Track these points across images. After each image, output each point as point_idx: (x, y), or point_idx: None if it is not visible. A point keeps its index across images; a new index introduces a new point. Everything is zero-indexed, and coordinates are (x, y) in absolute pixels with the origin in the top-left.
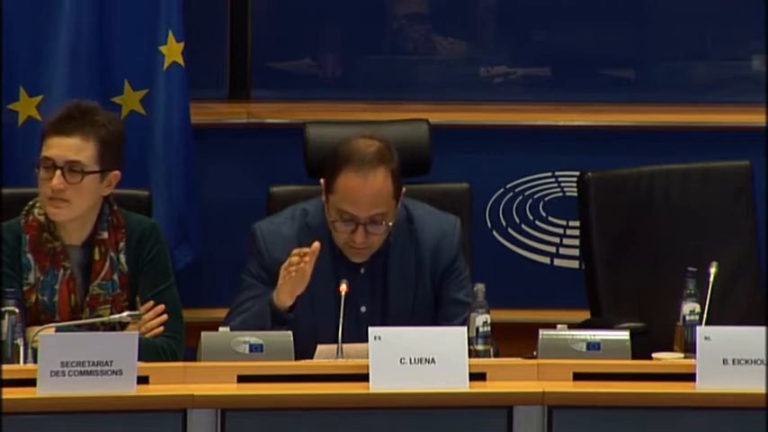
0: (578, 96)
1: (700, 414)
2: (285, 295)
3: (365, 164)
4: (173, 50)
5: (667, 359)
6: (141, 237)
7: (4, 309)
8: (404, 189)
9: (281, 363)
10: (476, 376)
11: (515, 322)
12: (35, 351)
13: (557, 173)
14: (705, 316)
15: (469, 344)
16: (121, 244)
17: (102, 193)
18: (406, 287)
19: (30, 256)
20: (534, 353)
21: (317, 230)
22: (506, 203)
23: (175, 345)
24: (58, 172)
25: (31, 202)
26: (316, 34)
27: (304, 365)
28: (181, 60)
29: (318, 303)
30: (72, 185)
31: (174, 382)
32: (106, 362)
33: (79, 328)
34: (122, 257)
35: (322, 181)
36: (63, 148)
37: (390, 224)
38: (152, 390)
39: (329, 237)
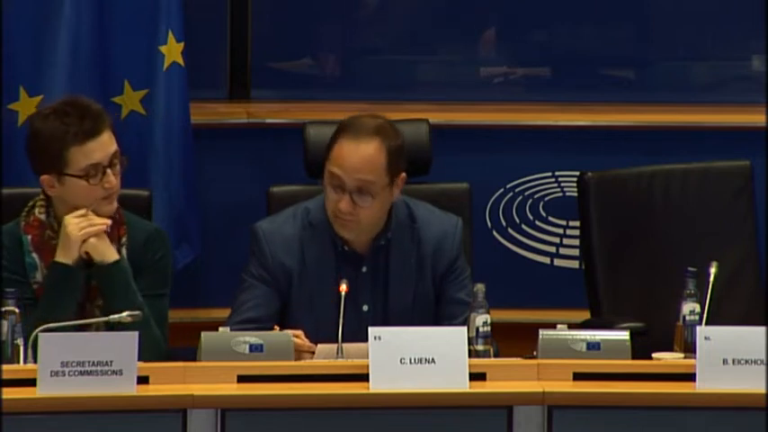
0: (578, 96)
1: (700, 414)
2: None
3: (361, 132)
4: (173, 50)
5: (667, 359)
6: (148, 238)
7: (4, 309)
8: (403, 175)
9: (281, 363)
10: (476, 376)
11: (515, 322)
12: (35, 351)
13: (557, 173)
14: (705, 316)
15: (469, 344)
16: (124, 239)
17: None
18: (407, 286)
19: (35, 255)
20: (534, 353)
21: (318, 228)
22: (506, 203)
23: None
24: (109, 170)
25: (30, 203)
26: (316, 34)
27: (304, 365)
28: (181, 60)
29: (319, 302)
30: (116, 177)
31: (173, 382)
32: (106, 362)
33: (80, 328)
34: (124, 252)
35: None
36: (103, 147)
37: (376, 196)
38: (152, 390)
39: (331, 235)
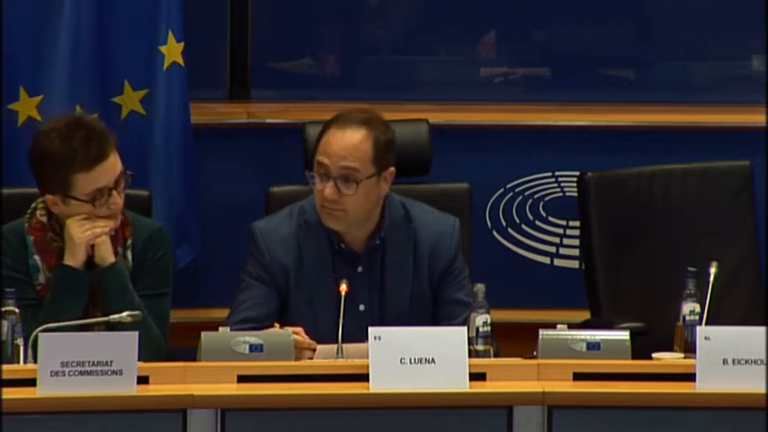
0: (578, 96)
1: (700, 414)
2: None
3: (348, 122)
4: (173, 50)
5: (667, 359)
6: (149, 238)
7: (4, 309)
8: (392, 169)
9: (281, 363)
10: (476, 376)
11: (515, 322)
12: (35, 351)
13: (557, 173)
14: (705, 316)
15: (469, 344)
16: (129, 241)
17: None
18: (403, 286)
19: (37, 257)
20: (534, 353)
21: (314, 227)
22: (506, 203)
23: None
24: (114, 192)
25: (33, 205)
26: (316, 34)
27: (304, 365)
28: (181, 60)
29: (317, 302)
30: (120, 195)
31: (174, 382)
32: (106, 362)
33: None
34: (129, 254)
35: None
36: (109, 171)
37: (360, 182)
38: (152, 390)
39: (327, 233)
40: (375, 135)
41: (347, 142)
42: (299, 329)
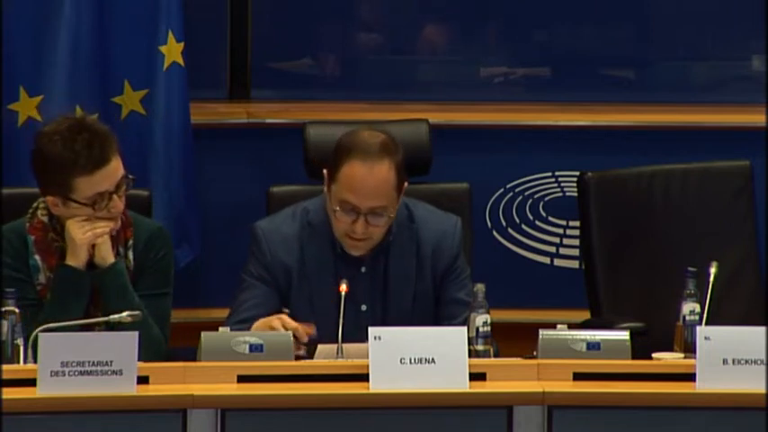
0: (578, 96)
1: (700, 414)
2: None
3: (370, 154)
4: (173, 50)
5: (667, 359)
6: (150, 238)
7: (4, 309)
8: (405, 184)
9: (281, 363)
10: (476, 376)
11: (515, 322)
12: (35, 351)
13: (557, 173)
14: (705, 316)
15: (469, 344)
16: (130, 241)
17: None
18: (406, 286)
19: (37, 257)
20: (534, 353)
21: (317, 229)
22: (506, 203)
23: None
24: (115, 196)
25: (35, 204)
26: (316, 34)
27: (304, 365)
28: (181, 60)
29: (319, 302)
30: (121, 199)
31: (173, 382)
32: (106, 362)
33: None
34: (130, 254)
35: (325, 171)
36: (110, 176)
37: (391, 216)
38: (152, 390)
39: (330, 235)
40: (395, 161)
41: (375, 180)
42: (297, 326)
